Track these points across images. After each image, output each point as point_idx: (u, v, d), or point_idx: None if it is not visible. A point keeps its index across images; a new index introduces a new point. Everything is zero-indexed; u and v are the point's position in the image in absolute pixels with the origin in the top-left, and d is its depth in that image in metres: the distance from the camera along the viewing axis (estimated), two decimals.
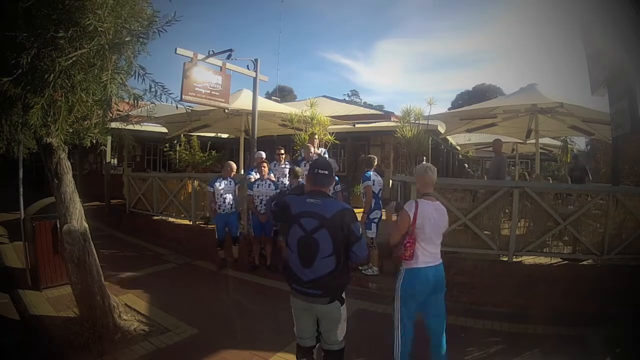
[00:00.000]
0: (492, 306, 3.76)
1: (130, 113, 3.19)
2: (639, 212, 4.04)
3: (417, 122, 7.31)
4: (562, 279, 3.94)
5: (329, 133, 7.45)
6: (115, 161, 11.47)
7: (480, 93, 33.03)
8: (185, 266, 5.41)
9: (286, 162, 5.60)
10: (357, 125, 10.61)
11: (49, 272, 4.15)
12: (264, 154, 5.29)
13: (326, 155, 5.73)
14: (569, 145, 9.51)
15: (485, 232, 4.18)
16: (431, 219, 2.29)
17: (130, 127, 3.33)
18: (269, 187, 4.83)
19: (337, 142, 7.66)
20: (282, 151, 5.58)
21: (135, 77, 2.38)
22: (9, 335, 3.28)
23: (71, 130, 2.60)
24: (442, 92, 77.58)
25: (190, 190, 6.59)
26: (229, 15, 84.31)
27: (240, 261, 5.15)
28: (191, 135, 9.13)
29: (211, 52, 5.85)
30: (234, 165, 5.26)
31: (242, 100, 7.34)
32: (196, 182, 6.47)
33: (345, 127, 9.88)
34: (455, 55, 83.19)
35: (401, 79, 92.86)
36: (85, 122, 2.72)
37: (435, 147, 10.86)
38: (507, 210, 4.25)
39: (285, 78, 74.00)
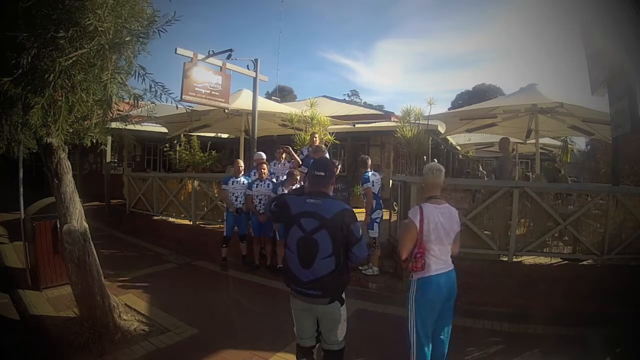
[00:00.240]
0: (492, 306, 3.76)
1: (130, 113, 3.19)
2: (639, 212, 4.04)
3: (417, 122, 7.30)
4: (562, 279, 3.94)
5: (329, 133, 7.44)
6: (115, 161, 11.46)
7: (480, 93, 33.03)
8: (185, 266, 5.41)
9: (286, 162, 5.61)
10: (357, 125, 10.60)
11: (49, 272, 4.15)
12: (263, 155, 5.29)
13: (326, 155, 5.73)
14: (569, 145, 9.52)
15: (485, 232, 4.18)
16: (438, 223, 2.17)
17: (130, 127, 3.32)
18: (267, 187, 4.87)
19: (337, 142, 7.65)
20: (281, 150, 5.58)
21: (135, 77, 2.39)
22: (9, 335, 3.28)
23: (71, 130, 2.60)
24: (442, 92, 77.78)
25: (190, 190, 6.59)
26: (229, 15, 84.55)
27: (243, 259, 5.18)
28: (191, 135, 9.14)
29: (211, 52, 5.86)
30: (242, 163, 5.27)
31: (242, 100, 7.34)
32: (196, 182, 6.47)
33: (345, 127, 9.87)
34: (455, 55, 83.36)
35: (401, 79, 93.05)
36: (86, 122, 2.73)
37: (435, 147, 10.86)
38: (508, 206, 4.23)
39: (285, 78, 74.09)
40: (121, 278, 4.58)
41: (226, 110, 6.72)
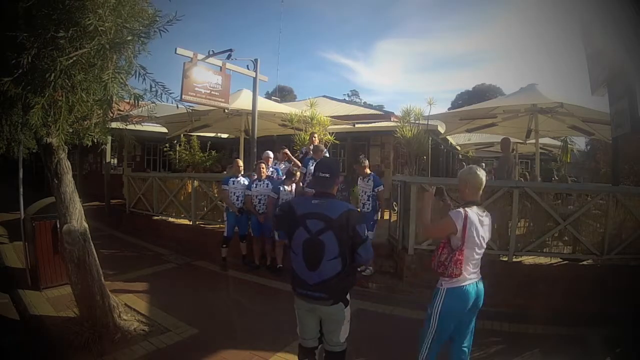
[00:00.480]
0: (492, 306, 3.73)
1: (130, 113, 3.19)
2: (639, 212, 4.04)
3: (417, 122, 7.29)
4: (562, 279, 3.94)
5: (329, 133, 7.45)
6: (115, 161, 11.46)
7: (480, 93, 33.05)
8: (185, 266, 5.41)
9: (285, 161, 5.63)
10: (357, 125, 10.59)
11: (49, 272, 4.14)
12: (271, 154, 5.31)
13: (327, 155, 5.74)
14: (569, 145, 9.52)
15: None
16: (479, 231, 2.08)
17: (130, 127, 3.32)
18: (266, 187, 4.87)
19: (337, 142, 7.65)
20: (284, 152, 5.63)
21: (135, 77, 2.39)
22: (9, 335, 3.28)
23: (71, 130, 2.60)
24: (442, 92, 77.78)
25: (190, 190, 6.59)
26: (229, 15, 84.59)
27: (243, 259, 5.18)
28: (191, 135, 9.13)
29: (211, 52, 5.85)
30: (241, 163, 5.27)
31: (242, 100, 7.33)
32: (196, 182, 6.47)
33: (345, 127, 9.86)
34: (455, 55, 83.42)
35: (401, 79, 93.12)
36: (86, 122, 2.73)
37: (435, 147, 10.85)
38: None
39: (285, 78, 74.26)
40: (121, 278, 4.57)
41: (226, 110, 6.71)
